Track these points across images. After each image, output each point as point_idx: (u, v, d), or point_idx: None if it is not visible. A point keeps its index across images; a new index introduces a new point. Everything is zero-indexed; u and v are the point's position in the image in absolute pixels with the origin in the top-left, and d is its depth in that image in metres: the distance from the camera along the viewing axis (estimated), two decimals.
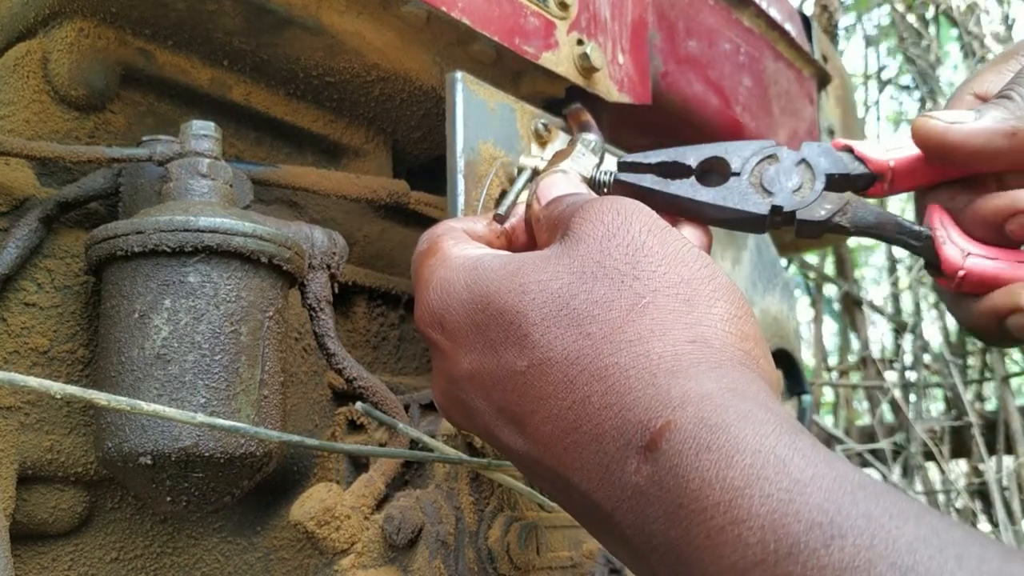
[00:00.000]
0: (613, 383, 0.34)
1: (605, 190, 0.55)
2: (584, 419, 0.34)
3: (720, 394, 0.32)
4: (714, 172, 0.53)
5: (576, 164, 0.54)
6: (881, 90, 4.00)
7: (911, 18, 3.42)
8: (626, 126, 0.95)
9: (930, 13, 3.41)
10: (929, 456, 3.05)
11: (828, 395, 3.78)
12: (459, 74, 0.74)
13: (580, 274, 0.37)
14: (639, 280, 0.36)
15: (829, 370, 3.70)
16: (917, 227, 0.53)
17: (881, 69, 3.99)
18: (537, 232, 0.47)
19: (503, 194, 0.75)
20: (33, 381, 0.46)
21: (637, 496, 0.32)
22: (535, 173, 0.55)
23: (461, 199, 0.73)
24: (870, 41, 3.84)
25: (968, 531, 0.26)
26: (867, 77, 3.83)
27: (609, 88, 0.88)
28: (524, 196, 0.56)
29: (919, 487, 3.10)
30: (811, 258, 3.57)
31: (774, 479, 0.28)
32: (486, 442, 0.42)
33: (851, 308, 3.43)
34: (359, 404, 0.65)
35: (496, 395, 0.38)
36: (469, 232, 0.50)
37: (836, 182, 0.53)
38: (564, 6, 0.84)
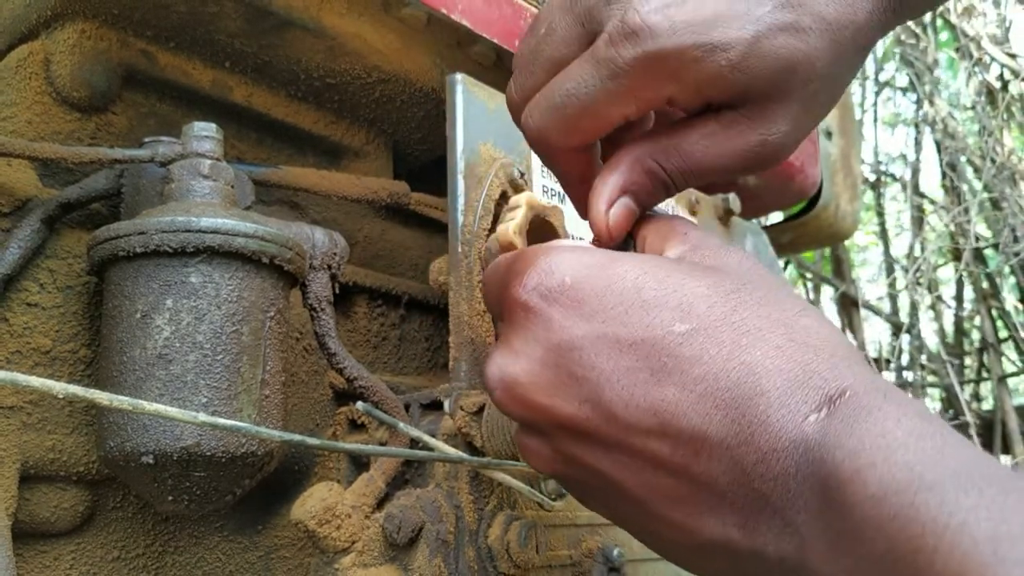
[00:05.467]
0: (791, 353, 0.36)
1: None
2: (748, 377, 0.36)
3: (880, 380, 0.36)
4: None
5: None
6: (878, 92, 4.02)
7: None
8: None
9: (927, 15, 3.42)
10: None
11: None
12: (459, 76, 0.74)
13: (741, 278, 0.40)
14: (792, 296, 0.40)
15: None
16: None
17: (878, 71, 4.00)
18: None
19: (504, 196, 0.75)
20: (35, 381, 0.46)
21: (795, 447, 0.34)
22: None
23: (461, 200, 0.73)
24: None
25: None
26: (864, 79, 3.84)
27: None
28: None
29: None
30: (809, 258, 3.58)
31: (930, 435, 0.31)
32: (576, 408, 0.40)
33: (848, 308, 3.43)
34: (360, 403, 0.65)
35: (627, 356, 0.38)
36: None
37: None
38: None
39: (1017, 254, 3.05)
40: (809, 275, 3.62)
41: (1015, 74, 3.29)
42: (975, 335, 3.83)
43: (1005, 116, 3.32)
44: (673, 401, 0.37)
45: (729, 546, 0.36)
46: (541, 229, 0.72)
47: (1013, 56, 3.20)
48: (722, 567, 0.38)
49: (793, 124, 0.45)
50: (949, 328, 3.92)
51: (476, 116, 0.75)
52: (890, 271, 3.94)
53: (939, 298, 3.76)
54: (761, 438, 0.35)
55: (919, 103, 3.58)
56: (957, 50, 3.37)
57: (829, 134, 1.39)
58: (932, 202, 3.83)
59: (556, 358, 0.40)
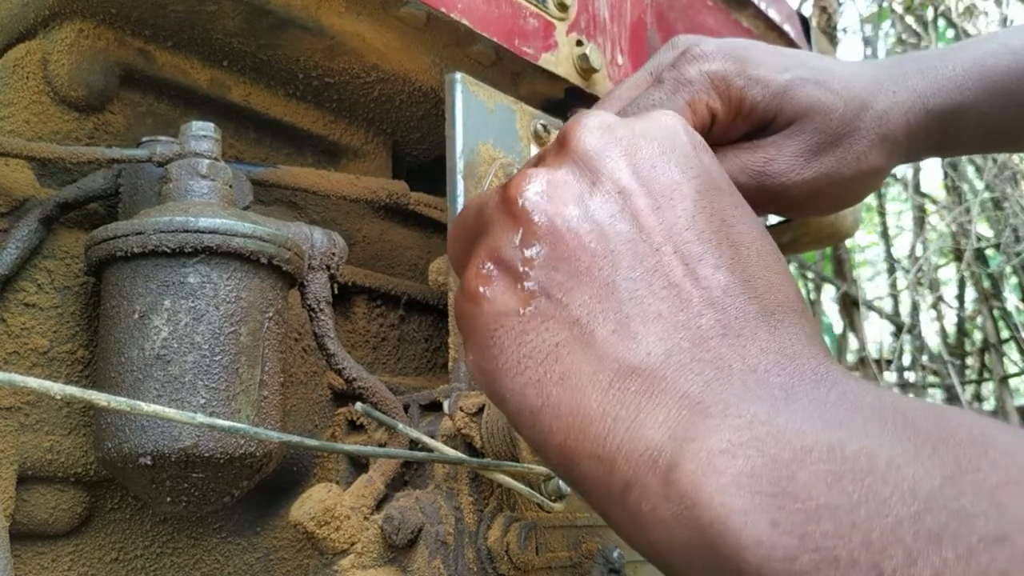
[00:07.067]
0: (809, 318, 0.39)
1: None
2: (778, 282, 0.38)
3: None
4: None
5: None
6: None
7: (910, 19, 3.43)
8: None
9: (929, 15, 3.42)
10: None
11: None
12: (458, 75, 0.74)
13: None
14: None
15: None
16: None
17: None
18: None
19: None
20: (33, 382, 0.46)
21: (806, 352, 0.35)
22: None
23: (461, 200, 0.73)
24: (869, 42, 3.85)
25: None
26: None
27: (608, 89, 0.88)
28: None
29: None
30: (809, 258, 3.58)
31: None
32: (636, 183, 0.39)
33: (849, 308, 3.43)
34: (359, 404, 0.65)
35: (701, 196, 0.39)
36: None
37: None
38: (563, 7, 0.85)
39: (1019, 254, 3.05)
40: (810, 275, 3.62)
41: None
42: (977, 335, 3.83)
43: None
44: (729, 251, 0.38)
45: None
46: None
47: None
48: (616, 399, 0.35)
49: (799, 157, 0.58)
50: (951, 328, 3.92)
51: (475, 115, 0.74)
52: (891, 271, 3.94)
53: (940, 298, 3.76)
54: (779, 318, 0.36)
55: None
56: None
57: None
58: (934, 202, 3.83)
59: (665, 139, 0.40)
